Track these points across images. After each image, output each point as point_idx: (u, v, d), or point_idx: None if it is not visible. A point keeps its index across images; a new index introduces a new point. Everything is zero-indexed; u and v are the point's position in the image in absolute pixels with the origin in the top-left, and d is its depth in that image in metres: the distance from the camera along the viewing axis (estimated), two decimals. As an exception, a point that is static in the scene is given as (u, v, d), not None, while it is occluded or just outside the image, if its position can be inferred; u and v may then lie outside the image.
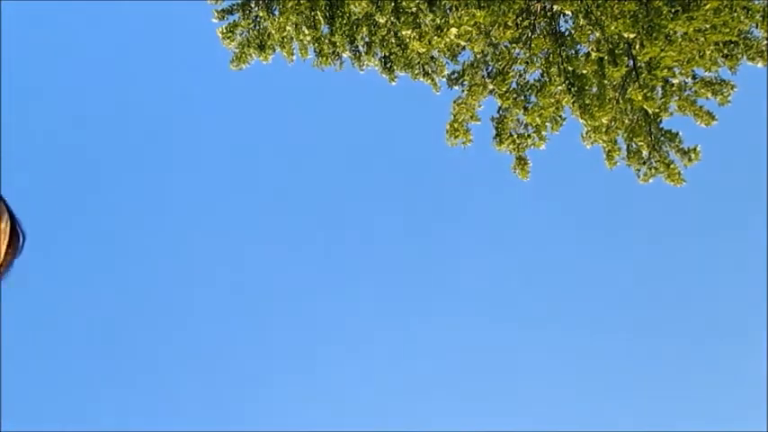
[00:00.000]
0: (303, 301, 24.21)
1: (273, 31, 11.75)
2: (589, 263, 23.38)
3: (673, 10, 9.85)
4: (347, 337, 23.84)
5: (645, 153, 10.97)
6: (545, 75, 10.60)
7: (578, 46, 10.51)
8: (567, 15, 10.58)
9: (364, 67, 11.74)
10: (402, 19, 10.68)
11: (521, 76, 10.86)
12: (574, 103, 10.11)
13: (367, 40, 11.49)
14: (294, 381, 23.97)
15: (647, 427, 22.25)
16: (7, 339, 21.60)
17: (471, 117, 11.03)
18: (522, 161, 11.03)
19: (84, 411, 22.91)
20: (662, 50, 10.04)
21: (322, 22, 11.53)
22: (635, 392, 22.90)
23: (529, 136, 10.97)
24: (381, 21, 10.89)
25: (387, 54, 11.46)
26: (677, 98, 10.81)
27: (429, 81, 11.54)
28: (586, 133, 10.96)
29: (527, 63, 10.77)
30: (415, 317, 23.54)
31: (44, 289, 23.83)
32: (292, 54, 11.98)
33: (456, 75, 11.05)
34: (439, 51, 11.09)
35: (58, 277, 23.92)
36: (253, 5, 11.90)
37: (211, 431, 23.39)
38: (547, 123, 10.90)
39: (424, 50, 10.89)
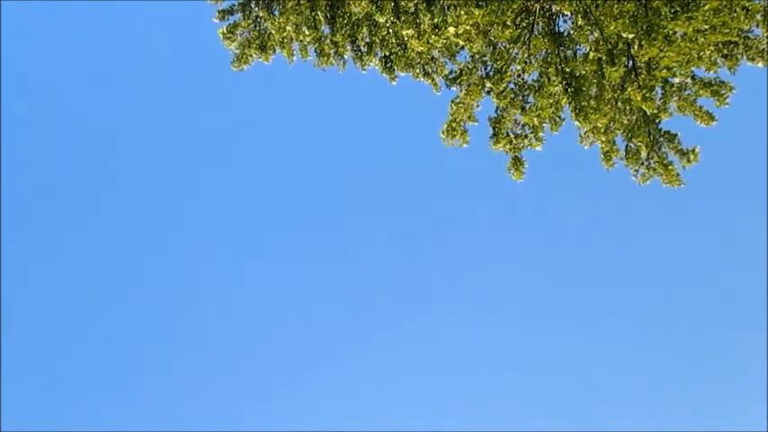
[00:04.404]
0: (301, 301, 24.23)
1: (274, 32, 11.79)
2: (588, 263, 23.37)
3: (672, 10, 9.85)
4: (345, 338, 23.85)
5: (643, 153, 10.95)
6: (543, 75, 10.60)
7: (577, 46, 10.51)
8: (566, 15, 10.58)
9: (366, 67, 11.76)
10: (402, 19, 10.70)
11: (519, 76, 10.86)
12: (570, 104, 10.11)
13: (367, 40, 11.52)
14: (295, 381, 24.00)
15: (647, 427, 22.23)
16: (7, 340, 21.64)
17: (469, 117, 11.03)
18: (517, 161, 11.01)
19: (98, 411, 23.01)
20: (661, 51, 10.03)
21: (323, 22, 11.57)
22: (635, 392, 22.88)
23: (526, 136, 10.96)
24: (381, 21, 10.92)
25: (387, 54, 11.49)
26: (677, 98, 10.80)
27: (429, 81, 11.55)
28: (585, 133, 10.95)
29: (525, 63, 10.77)
30: (413, 317, 23.56)
31: (44, 289, 23.88)
32: (293, 54, 12.03)
33: (454, 74, 11.06)
34: (438, 51, 11.11)
35: (59, 278, 23.97)
36: (253, 6, 11.94)
37: (213, 431, 23.43)
38: (545, 124, 10.89)
39: (423, 49, 10.90)
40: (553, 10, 10.65)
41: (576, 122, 10.42)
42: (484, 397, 23.34)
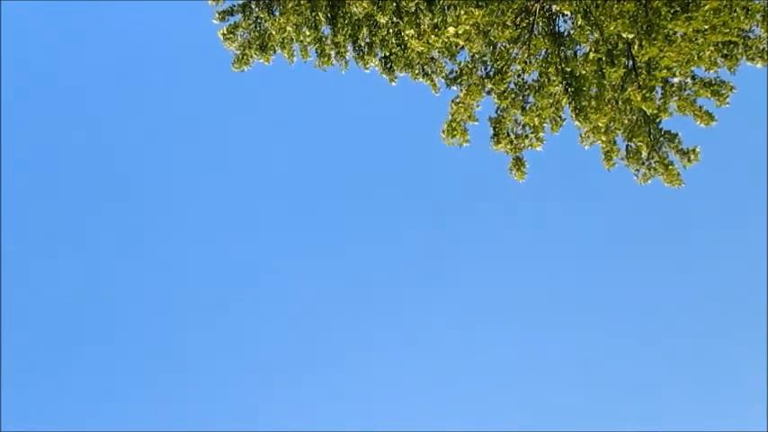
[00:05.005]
0: (300, 301, 24.24)
1: (274, 32, 11.81)
2: (588, 262, 23.38)
3: (672, 10, 9.87)
4: (345, 338, 23.87)
5: (644, 153, 10.98)
6: (543, 75, 10.63)
7: (577, 46, 10.54)
8: (567, 15, 10.60)
9: (368, 66, 11.78)
10: (405, 19, 10.74)
11: (519, 76, 10.89)
12: (570, 104, 10.14)
13: (368, 40, 11.55)
14: (296, 382, 24.01)
15: (647, 426, 22.24)
16: (7, 340, 21.64)
17: (469, 117, 11.07)
18: (518, 162, 11.05)
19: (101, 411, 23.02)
20: (661, 51, 10.06)
21: (323, 22, 11.59)
22: (635, 392, 22.90)
23: (526, 136, 10.99)
24: (382, 21, 10.94)
25: (387, 54, 11.51)
26: (677, 98, 10.83)
27: (428, 81, 11.58)
28: (585, 133, 10.98)
29: (525, 63, 10.80)
30: (412, 317, 23.57)
31: (44, 289, 23.89)
32: (293, 55, 12.05)
33: (454, 74, 11.09)
34: (438, 51, 11.13)
35: (59, 278, 23.97)
36: (253, 6, 11.96)
37: (214, 431, 23.44)
38: (545, 124, 10.92)
39: (423, 50, 10.93)
40: (553, 10, 10.68)
41: (577, 122, 10.46)
42: (484, 397, 23.36)
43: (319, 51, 11.88)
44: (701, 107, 10.82)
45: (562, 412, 22.67)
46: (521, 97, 10.88)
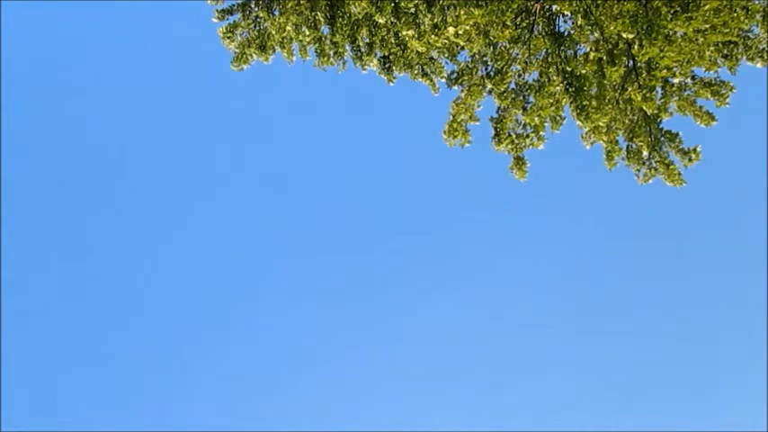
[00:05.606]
0: (301, 301, 24.24)
1: (273, 32, 11.80)
2: (588, 263, 23.39)
3: (672, 10, 9.87)
4: (348, 338, 23.87)
5: (645, 153, 10.99)
6: (543, 75, 10.63)
7: (577, 46, 10.53)
8: (567, 15, 10.59)
9: (366, 67, 11.78)
10: (403, 19, 10.72)
11: (519, 76, 10.89)
12: (571, 103, 10.14)
13: (367, 40, 11.54)
14: (296, 381, 24.02)
15: (647, 427, 22.25)
16: (7, 340, 21.63)
17: (470, 117, 11.07)
18: (519, 161, 11.07)
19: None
20: (661, 51, 10.05)
21: (323, 22, 11.58)
22: (635, 392, 22.90)
23: (527, 136, 11.00)
24: (381, 21, 10.93)
25: (386, 54, 11.51)
26: (677, 98, 10.85)
27: (428, 81, 11.58)
28: (586, 133, 10.99)
29: (526, 63, 10.80)
30: (413, 317, 23.57)
31: (45, 289, 23.89)
32: (292, 55, 12.04)
33: (455, 75, 11.09)
34: (438, 51, 11.13)
35: (59, 277, 23.97)
36: (253, 5, 11.95)
37: (215, 431, 23.44)
38: (546, 123, 10.92)
39: (423, 50, 10.92)
40: (553, 10, 10.66)
41: (578, 122, 10.46)
42: (484, 397, 23.36)
43: (318, 51, 11.87)
44: (701, 107, 10.83)
45: (562, 412, 22.67)
46: (521, 97, 10.88)
